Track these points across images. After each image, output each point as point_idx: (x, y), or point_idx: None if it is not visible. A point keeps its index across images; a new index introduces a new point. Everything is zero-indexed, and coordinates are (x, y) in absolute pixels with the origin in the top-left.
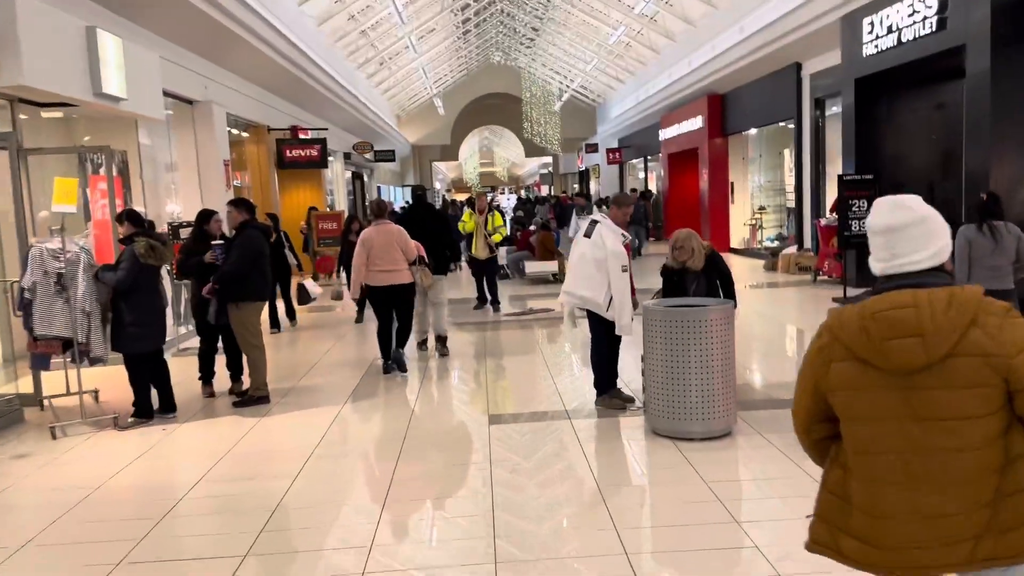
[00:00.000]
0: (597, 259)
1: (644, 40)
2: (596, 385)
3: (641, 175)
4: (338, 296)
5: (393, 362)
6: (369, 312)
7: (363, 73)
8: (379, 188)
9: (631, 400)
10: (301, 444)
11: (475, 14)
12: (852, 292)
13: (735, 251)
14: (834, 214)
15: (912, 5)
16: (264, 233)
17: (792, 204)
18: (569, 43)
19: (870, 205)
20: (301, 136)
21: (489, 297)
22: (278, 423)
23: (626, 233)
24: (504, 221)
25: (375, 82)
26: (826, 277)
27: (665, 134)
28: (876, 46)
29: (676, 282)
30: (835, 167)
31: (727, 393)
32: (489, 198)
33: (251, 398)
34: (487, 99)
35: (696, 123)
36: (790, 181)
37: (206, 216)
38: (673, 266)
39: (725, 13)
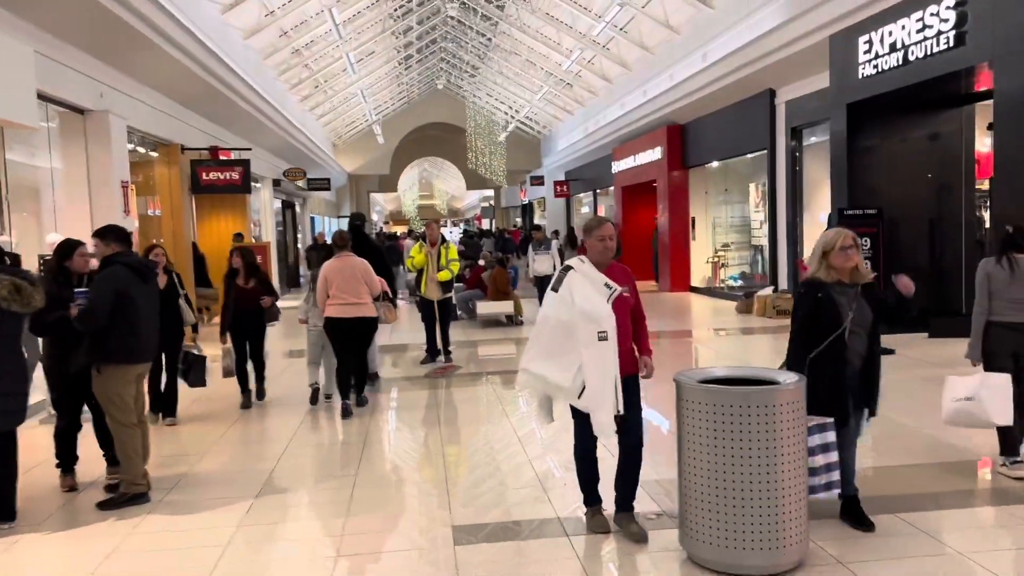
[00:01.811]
0: (563, 323)
1: (596, 68)
2: (583, 491)
3: (586, 209)
4: (229, 372)
5: (355, 403)
6: (294, 368)
7: (296, 95)
8: (312, 219)
9: (606, 530)
10: (189, 569)
11: (417, 38)
12: None
13: (696, 290)
14: None
15: (922, 20)
16: (139, 271)
17: (758, 241)
18: (517, 71)
19: (874, 243)
20: (222, 157)
21: (441, 347)
22: (159, 534)
23: (611, 283)
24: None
25: (309, 105)
26: None
27: (619, 166)
28: (876, 66)
29: (825, 306)
30: (814, 201)
31: (798, 509)
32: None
33: (123, 496)
34: (429, 129)
35: (653, 155)
36: (756, 216)
37: (68, 249)
38: (825, 280)
39: (686, 39)
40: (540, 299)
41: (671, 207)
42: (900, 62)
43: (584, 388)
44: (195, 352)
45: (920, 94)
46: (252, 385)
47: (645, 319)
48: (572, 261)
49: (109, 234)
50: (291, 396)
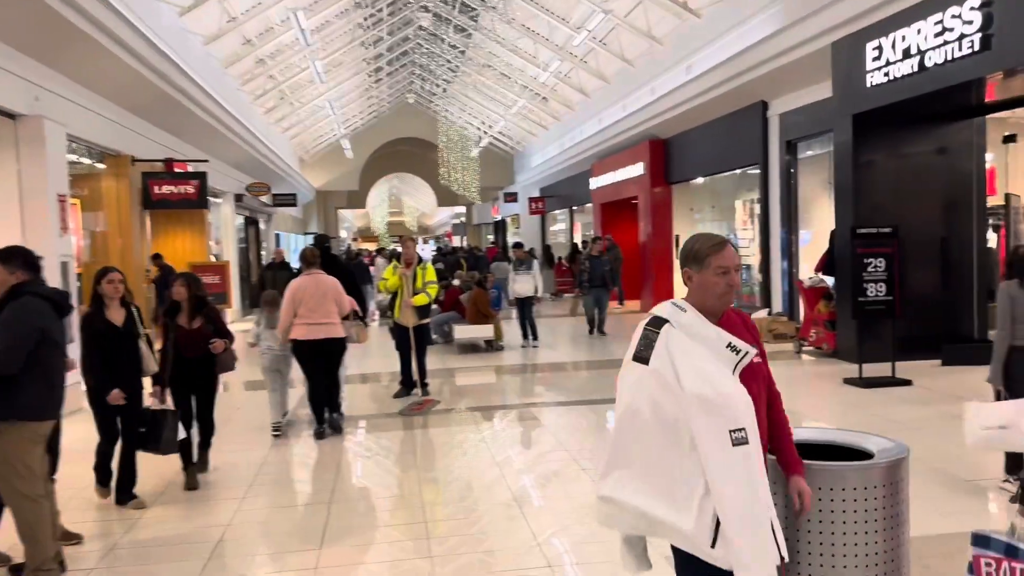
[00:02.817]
0: (665, 419)
1: (573, 82)
2: None
3: (559, 226)
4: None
5: (329, 427)
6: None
7: (260, 107)
8: (277, 236)
9: None
10: None
11: (388, 49)
12: (871, 370)
13: None
14: (819, 273)
15: (942, 22)
16: (56, 304)
17: (745, 260)
18: (491, 84)
19: (889, 264)
20: (177, 170)
21: (417, 378)
22: None
23: (737, 342)
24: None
25: (275, 118)
26: (811, 348)
27: (597, 182)
28: (886, 74)
29: None
30: (810, 218)
31: None
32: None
33: None
34: (399, 144)
35: (634, 171)
36: (745, 235)
37: None
38: None
39: (670, 50)
40: (521, 323)
41: (654, 224)
42: (915, 69)
43: (718, 531)
44: (160, 409)
45: (932, 104)
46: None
47: (781, 398)
48: (665, 310)
49: (14, 258)
50: (243, 450)
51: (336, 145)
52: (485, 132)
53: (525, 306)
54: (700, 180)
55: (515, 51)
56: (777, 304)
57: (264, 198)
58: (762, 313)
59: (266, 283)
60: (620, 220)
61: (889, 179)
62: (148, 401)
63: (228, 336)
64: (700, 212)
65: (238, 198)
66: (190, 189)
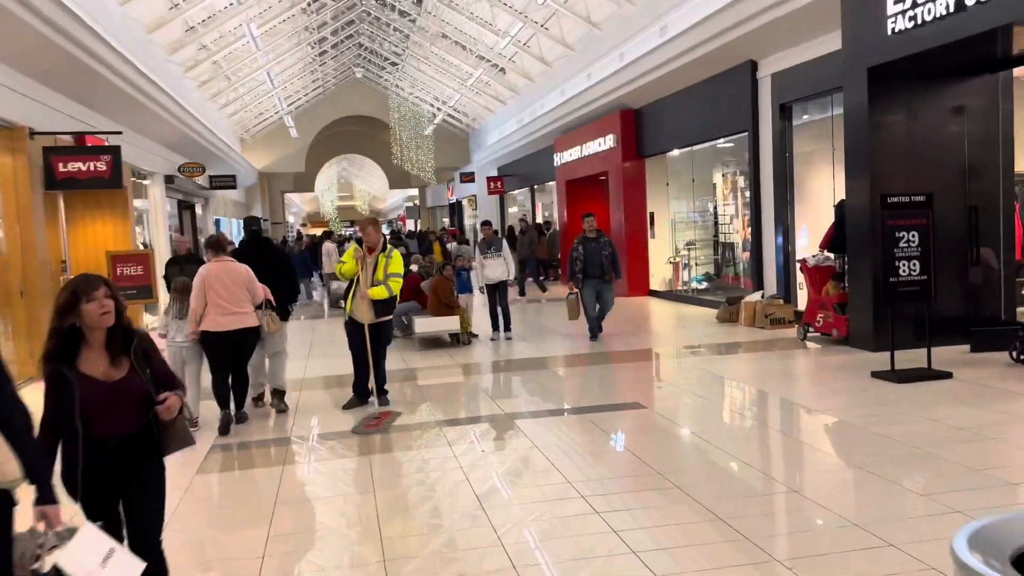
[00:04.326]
0: None
1: (533, 50)
2: None
3: (515, 208)
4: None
5: (236, 421)
6: None
7: (193, 80)
8: (217, 221)
9: None
10: None
11: (332, 18)
12: (903, 359)
13: (656, 294)
14: (825, 251)
15: None
16: None
17: (729, 238)
18: (445, 55)
19: (923, 238)
20: (89, 144)
21: (374, 386)
22: None
23: None
24: (405, 267)
25: (210, 92)
26: (818, 334)
27: (561, 158)
28: (912, 18)
29: None
30: (807, 190)
31: None
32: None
33: None
34: (347, 123)
35: (603, 145)
36: (726, 211)
37: None
38: None
39: (641, 10)
40: (492, 312)
41: (626, 202)
42: (951, 8)
43: None
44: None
45: (963, 55)
46: None
47: None
48: None
49: None
50: None
51: (279, 125)
52: (439, 109)
53: (497, 292)
54: (676, 152)
55: (471, 17)
56: (771, 286)
57: (199, 179)
58: (755, 296)
59: (170, 280)
60: (589, 197)
61: (905, 142)
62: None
63: (178, 386)
64: (677, 187)
65: (169, 179)
66: (101, 166)
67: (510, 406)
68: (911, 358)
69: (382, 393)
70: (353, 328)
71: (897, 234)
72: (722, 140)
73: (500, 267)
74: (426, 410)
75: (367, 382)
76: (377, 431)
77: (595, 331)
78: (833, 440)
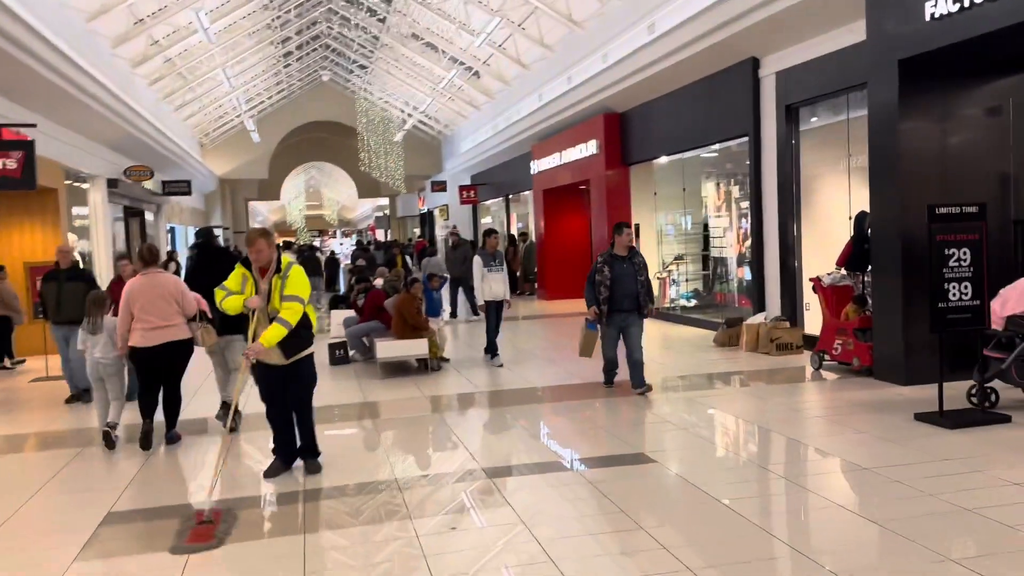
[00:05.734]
0: None
1: (509, 52)
2: None
3: (490, 218)
4: None
5: (166, 440)
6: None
7: (144, 77)
8: (171, 229)
9: None
10: None
11: (296, 16)
12: (919, 393)
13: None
14: (842, 269)
15: None
16: None
17: (722, 252)
18: (415, 57)
19: (975, 256)
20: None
21: (300, 443)
22: None
23: None
24: (322, 286)
25: (163, 92)
26: (835, 363)
27: (539, 166)
28: (959, 1)
29: None
30: (815, 200)
31: None
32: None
33: None
34: (314, 129)
35: (584, 151)
36: (718, 223)
37: None
38: None
39: (626, 7)
40: (490, 333)
41: (608, 212)
42: None
43: None
44: None
45: (1017, 43)
46: None
47: None
48: None
49: None
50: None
51: (242, 130)
52: (409, 115)
53: (497, 311)
54: (663, 160)
55: (441, 14)
56: (774, 307)
57: (148, 184)
58: (757, 318)
59: (47, 302)
60: (568, 208)
61: (943, 147)
62: None
63: None
64: (665, 197)
65: (112, 183)
66: (11, 164)
67: (488, 457)
68: (950, 394)
69: (312, 453)
70: (263, 373)
71: (947, 251)
72: (717, 145)
73: (503, 283)
74: (381, 460)
75: (291, 441)
76: (204, 546)
77: (611, 378)
78: (913, 520)
